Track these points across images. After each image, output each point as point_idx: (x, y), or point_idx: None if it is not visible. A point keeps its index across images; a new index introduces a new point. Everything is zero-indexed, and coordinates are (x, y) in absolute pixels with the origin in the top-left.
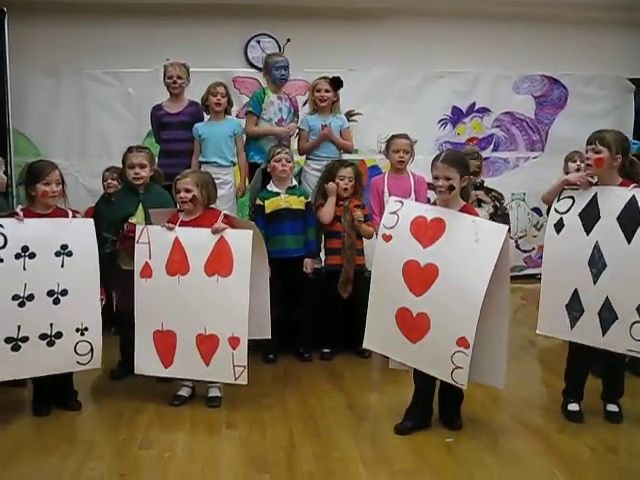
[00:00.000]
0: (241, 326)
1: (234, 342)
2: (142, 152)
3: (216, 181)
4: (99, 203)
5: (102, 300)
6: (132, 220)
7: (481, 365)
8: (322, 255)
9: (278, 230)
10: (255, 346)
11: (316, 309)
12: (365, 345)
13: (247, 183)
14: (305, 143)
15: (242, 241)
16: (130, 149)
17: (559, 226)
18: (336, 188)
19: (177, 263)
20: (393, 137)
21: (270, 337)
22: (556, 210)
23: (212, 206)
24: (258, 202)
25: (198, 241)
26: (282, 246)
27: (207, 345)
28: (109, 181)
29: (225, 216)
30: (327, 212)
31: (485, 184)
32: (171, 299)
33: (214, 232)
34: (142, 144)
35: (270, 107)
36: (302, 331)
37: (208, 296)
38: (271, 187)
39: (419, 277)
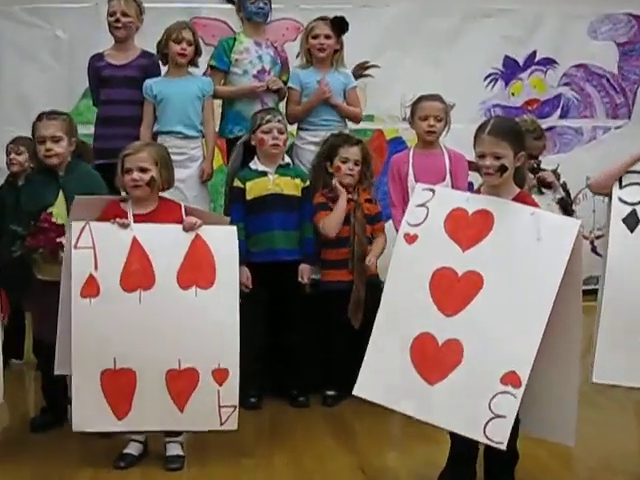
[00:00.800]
0: (230, 353)
1: (221, 375)
2: (55, 120)
3: (181, 157)
4: (2, 187)
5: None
6: (51, 212)
7: (541, 413)
8: None
9: (264, 223)
10: None
11: (315, 335)
12: (356, 391)
13: (222, 162)
14: (296, 107)
15: (226, 240)
16: (40, 116)
17: (633, 221)
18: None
19: (137, 274)
20: (421, 99)
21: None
22: (622, 200)
23: (164, 195)
24: (237, 184)
25: (166, 242)
26: (269, 246)
27: (182, 383)
28: (13, 157)
29: (185, 210)
30: (334, 223)
31: (541, 165)
32: (129, 324)
33: (187, 229)
34: (75, 107)
35: (244, 55)
36: (296, 366)
37: (183, 316)
38: (255, 164)
39: (454, 290)
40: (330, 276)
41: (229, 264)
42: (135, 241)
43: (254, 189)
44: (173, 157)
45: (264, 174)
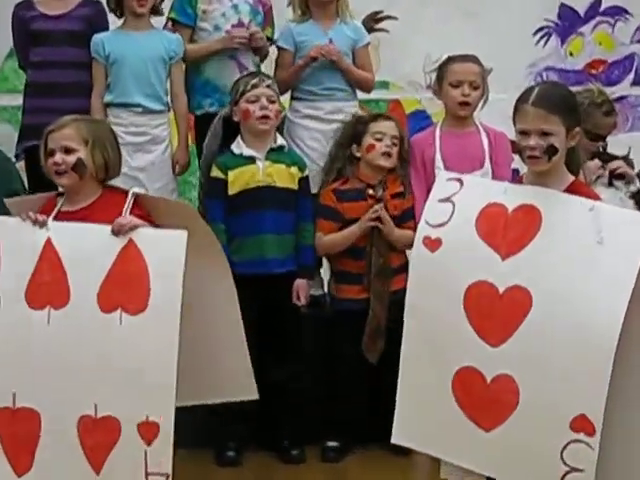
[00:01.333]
0: (163, 402)
1: (149, 431)
2: None
3: (140, 139)
4: None
5: None
6: None
7: (623, 466)
8: (323, 274)
9: (251, 225)
10: (201, 433)
11: (316, 370)
12: (395, 439)
13: (193, 145)
14: (287, 71)
15: (169, 249)
16: None
17: None
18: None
19: (47, 287)
20: (451, 61)
21: (257, 396)
22: None
23: (113, 183)
24: (216, 174)
25: (88, 248)
26: (258, 254)
27: (99, 436)
28: None
29: (136, 200)
30: (334, 247)
31: (608, 147)
32: (33, 350)
33: (116, 232)
34: None
35: (214, 5)
36: (289, 409)
37: (104, 347)
38: (239, 147)
39: (495, 312)
40: (345, 292)
41: (170, 283)
42: (49, 244)
43: (238, 180)
44: (130, 138)
45: (251, 160)
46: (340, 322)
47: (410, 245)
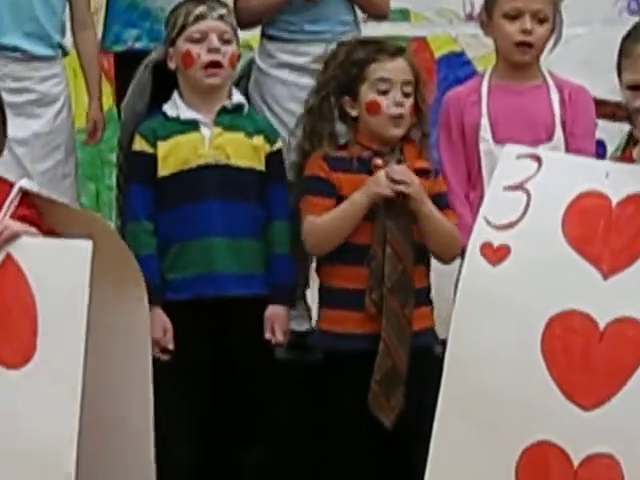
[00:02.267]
0: None
1: None
2: None
3: (21, 98)
4: None
5: None
6: None
7: None
8: (310, 301)
9: (192, 223)
10: None
11: (299, 444)
12: None
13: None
14: None
15: (66, 269)
16: None
17: None
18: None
19: None
20: None
21: None
22: None
23: None
24: (140, 146)
25: None
26: (204, 267)
27: None
28: None
29: (24, 197)
30: (333, 231)
31: None
32: None
33: None
34: None
35: None
36: None
37: None
38: (174, 108)
39: (592, 357)
40: (334, 323)
41: (69, 319)
42: None
43: (173, 156)
44: (6, 97)
45: (192, 126)
46: (335, 370)
47: (449, 247)
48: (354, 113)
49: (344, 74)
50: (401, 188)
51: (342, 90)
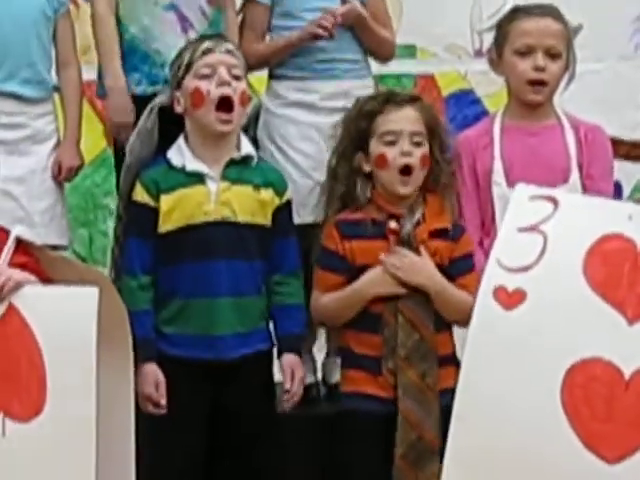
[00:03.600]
0: None
1: None
2: None
3: (14, 134)
4: None
5: None
6: None
7: None
8: (315, 351)
9: (197, 283)
10: None
11: None
12: None
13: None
14: (261, 41)
15: (72, 317)
16: None
17: None
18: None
19: None
20: (517, 14)
21: None
22: None
23: None
24: (141, 197)
25: None
26: (207, 331)
27: None
28: None
29: (21, 244)
30: (333, 306)
31: None
32: None
33: None
34: None
35: None
36: None
37: None
38: (180, 156)
39: (617, 409)
40: (354, 384)
41: (78, 368)
42: None
43: (177, 211)
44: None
45: (198, 179)
46: (352, 429)
47: (467, 317)
48: (367, 169)
49: (356, 129)
50: (399, 275)
51: (355, 146)
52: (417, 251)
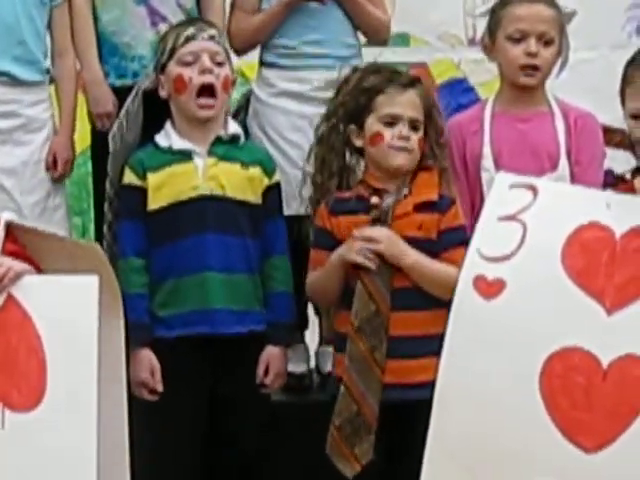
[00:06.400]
0: None
1: None
2: None
3: (7, 123)
4: None
5: None
6: None
7: None
8: (308, 340)
9: (188, 259)
10: None
11: None
12: None
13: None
14: (251, 17)
15: (73, 307)
16: None
17: None
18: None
19: None
20: (510, 0)
21: None
22: None
23: None
24: (129, 179)
25: None
26: (198, 303)
27: None
28: None
29: (9, 231)
30: (317, 283)
31: None
32: None
33: None
34: None
35: None
36: None
37: None
38: (166, 138)
39: (595, 398)
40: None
41: (78, 358)
42: None
43: (165, 188)
44: None
45: (185, 157)
46: None
47: (444, 288)
48: (359, 143)
49: (353, 101)
50: (372, 247)
51: (349, 118)
52: (390, 227)
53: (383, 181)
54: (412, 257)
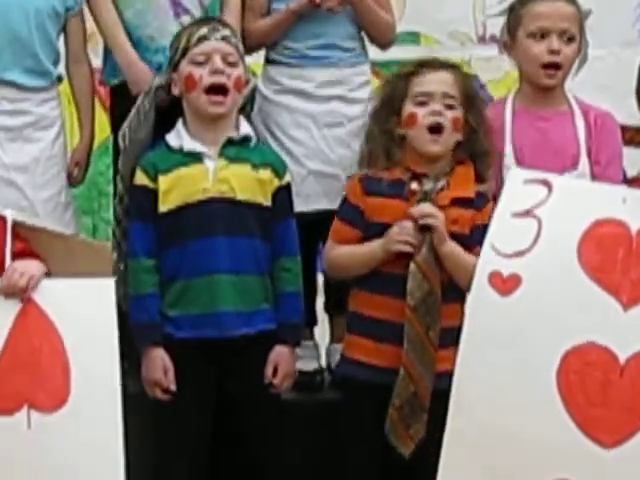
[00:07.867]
0: None
1: None
2: None
3: (19, 120)
4: None
5: None
6: None
7: None
8: (318, 338)
9: (198, 261)
10: None
11: None
12: None
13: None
14: (259, 19)
15: (92, 309)
16: None
17: None
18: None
19: None
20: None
21: None
22: None
23: None
24: (140, 180)
25: None
26: (207, 306)
27: None
28: None
29: (17, 232)
30: (347, 261)
31: None
32: None
33: (6, 292)
34: None
35: None
36: None
37: (5, 466)
38: (177, 138)
39: (612, 394)
40: (352, 348)
41: (100, 359)
42: None
43: (175, 190)
44: (2, 119)
45: (196, 158)
46: (347, 397)
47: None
48: (400, 132)
49: (391, 91)
50: (430, 222)
51: (390, 109)
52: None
53: (421, 165)
54: (450, 245)
